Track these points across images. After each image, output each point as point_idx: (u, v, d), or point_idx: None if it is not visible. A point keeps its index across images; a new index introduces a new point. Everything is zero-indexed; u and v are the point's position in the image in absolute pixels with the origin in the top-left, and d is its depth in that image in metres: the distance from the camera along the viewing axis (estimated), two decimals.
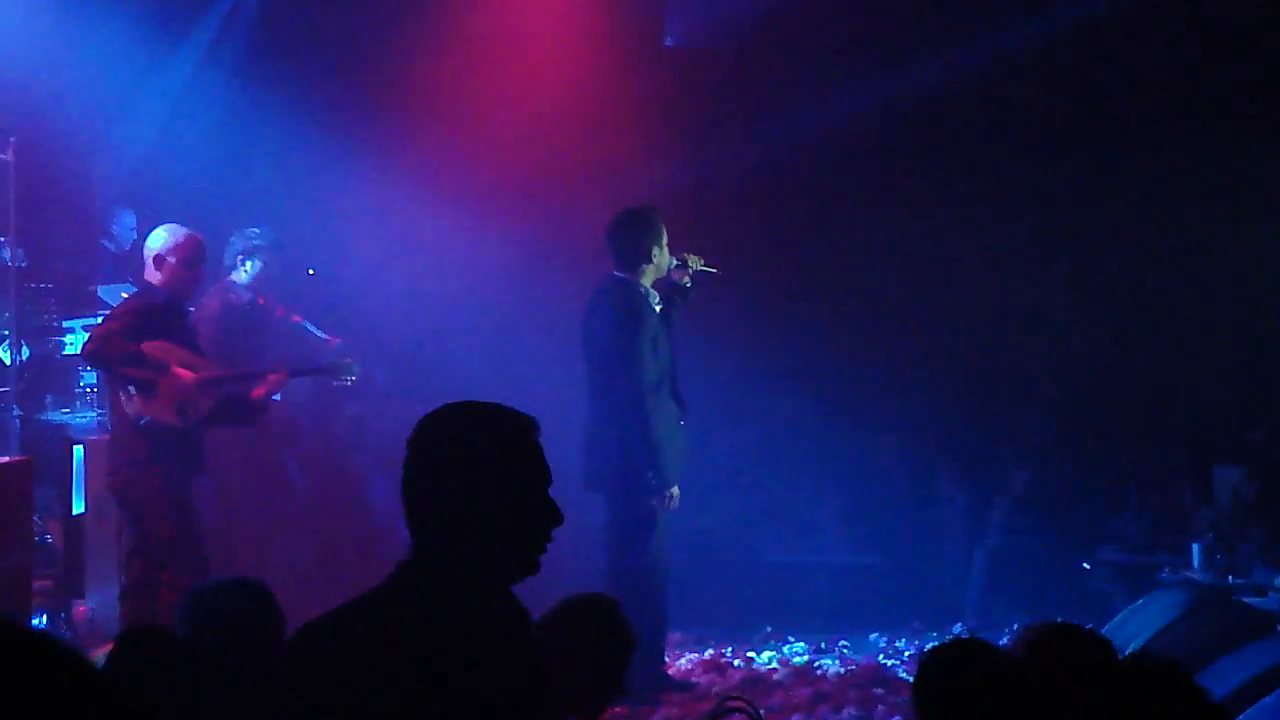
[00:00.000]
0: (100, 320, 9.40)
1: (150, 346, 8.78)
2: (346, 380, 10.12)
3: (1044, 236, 13.30)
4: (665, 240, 9.75)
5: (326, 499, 11.77)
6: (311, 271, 11.42)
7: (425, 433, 3.76)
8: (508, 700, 3.66)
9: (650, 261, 9.71)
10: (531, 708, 3.74)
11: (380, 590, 3.75)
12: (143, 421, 8.75)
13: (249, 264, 10.54)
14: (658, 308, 9.74)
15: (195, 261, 9.13)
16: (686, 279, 9.89)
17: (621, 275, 9.73)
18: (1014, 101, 13.34)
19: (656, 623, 9.60)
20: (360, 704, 3.51)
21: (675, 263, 9.83)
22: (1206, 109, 13.01)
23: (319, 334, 10.76)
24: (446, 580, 3.67)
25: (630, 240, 9.74)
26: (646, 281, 9.72)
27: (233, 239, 10.58)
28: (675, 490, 9.65)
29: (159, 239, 9.07)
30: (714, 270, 9.96)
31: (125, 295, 9.98)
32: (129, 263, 11.60)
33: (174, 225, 9.16)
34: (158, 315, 8.94)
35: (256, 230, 10.61)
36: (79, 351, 10.74)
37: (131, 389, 8.75)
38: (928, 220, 13.34)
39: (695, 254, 9.92)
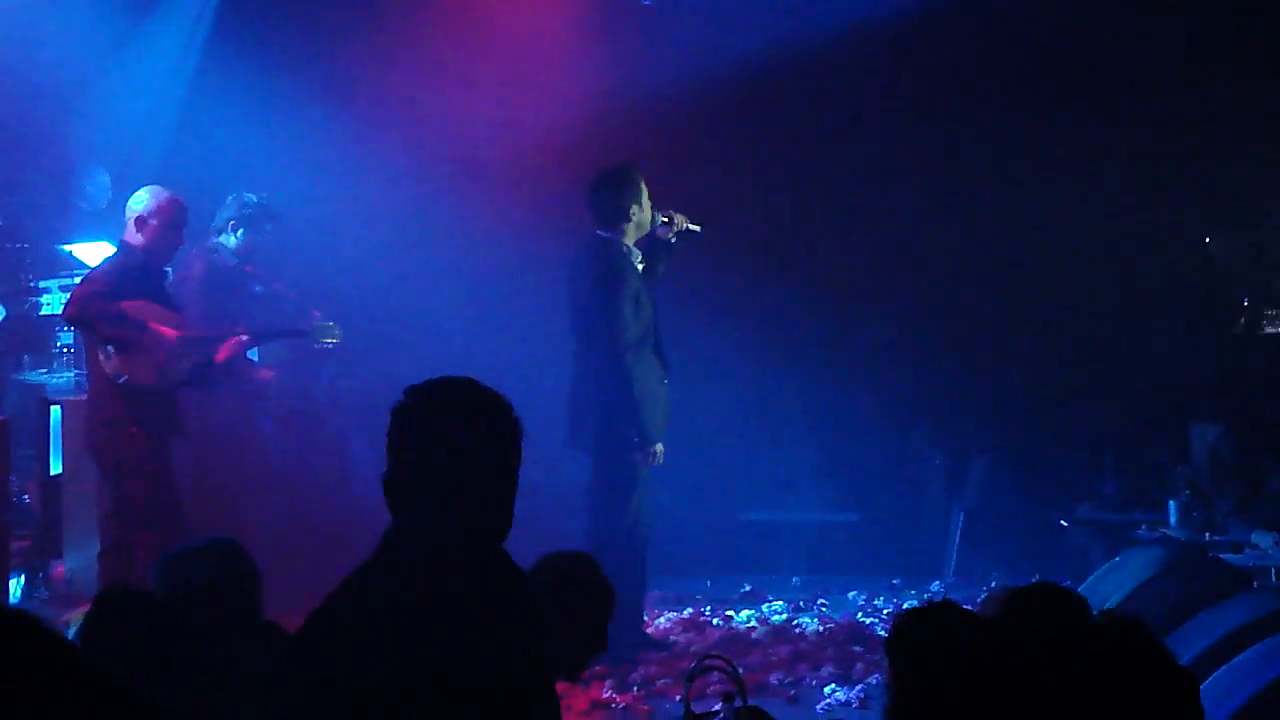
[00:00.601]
0: (79, 280, 9.34)
1: (130, 306, 8.75)
2: (328, 343, 10.12)
3: (1019, 196, 13.28)
4: (646, 198, 9.74)
5: (304, 459, 11.75)
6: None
7: (413, 406, 3.87)
8: (518, 660, 3.75)
9: (630, 219, 9.70)
10: (534, 667, 3.81)
11: (378, 561, 3.85)
12: (121, 380, 8.73)
13: (240, 231, 10.49)
14: (640, 265, 9.73)
15: (177, 224, 9.11)
16: (672, 235, 9.89)
17: (603, 234, 9.73)
18: (990, 60, 13.31)
19: (636, 581, 9.60)
20: (375, 676, 3.59)
21: (661, 219, 9.82)
22: (1190, 69, 13.00)
23: (290, 298, 10.73)
24: (448, 545, 3.78)
25: (610, 199, 9.73)
26: (629, 240, 9.72)
27: (229, 200, 10.53)
28: (659, 447, 9.66)
29: (140, 200, 9.04)
30: (698, 228, 9.95)
31: (101, 255, 9.94)
32: (104, 222, 11.54)
33: (156, 187, 9.14)
34: (137, 275, 8.92)
35: (253, 198, 10.55)
36: (58, 312, 10.71)
37: (110, 348, 8.73)
38: (906, 181, 13.33)
39: (681, 212, 9.91)
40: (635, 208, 9.70)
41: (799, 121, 13.50)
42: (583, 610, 5.22)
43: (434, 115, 12.83)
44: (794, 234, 13.64)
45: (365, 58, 12.91)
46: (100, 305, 8.67)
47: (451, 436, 3.81)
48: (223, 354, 9.34)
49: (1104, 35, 13.05)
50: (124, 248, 9.09)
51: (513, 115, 12.90)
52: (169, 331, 8.90)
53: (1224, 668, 6.60)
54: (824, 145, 13.55)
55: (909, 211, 13.34)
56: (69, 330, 10.84)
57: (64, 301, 9.73)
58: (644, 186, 9.75)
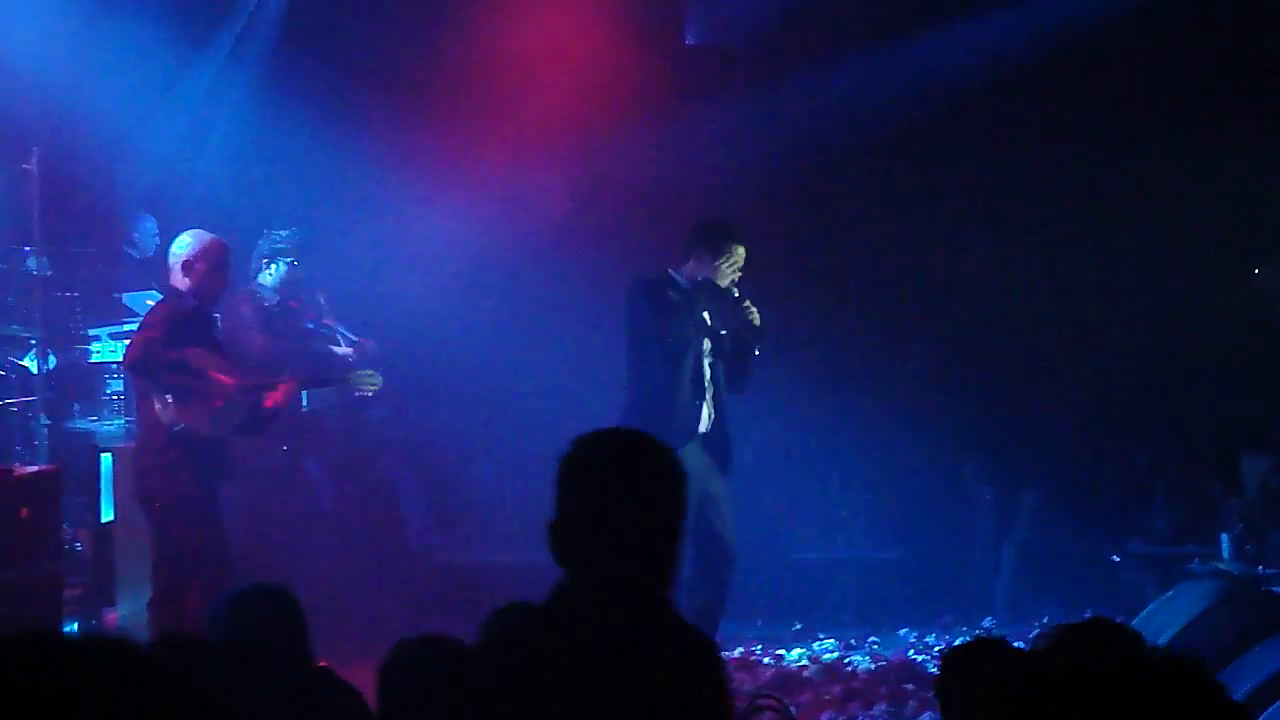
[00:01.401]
0: (136, 328, 9.30)
1: (189, 353, 8.78)
2: (367, 391, 10.15)
3: (1065, 228, 13.27)
4: (722, 257, 9.68)
5: (353, 503, 11.79)
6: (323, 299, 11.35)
7: (583, 457, 3.93)
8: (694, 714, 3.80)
9: (689, 260, 9.69)
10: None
11: (550, 610, 3.88)
12: (177, 429, 8.74)
13: (274, 267, 10.60)
14: (707, 312, 9.74)
15: (222, 266, 9.11)
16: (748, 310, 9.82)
17: (670, 269, 9.76)
18: (1027, 92, 13.31)
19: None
20: None
21: (735, 294, 9.77)
22: (1224, 99, 12.99)
23: (350, 336, 10.80)
24: (620, 596, 3.83)
25: (687, 239, 9.78)
26: (686, 275, 9.71)
27: (260, 242, 10.63)
28: None
29: (184, 244, 9.04)
30: (757, 326, 9.86)
31: (150, 302, 9.98)
32: (152, 269, 11.62)
33: (199, 230, 9.14)
34: (190, 321, 8.92)
35: (283, 233, 10.65)
36: (108, 360, 10.77)
37: (169, 397, 8.73)
38: (952, 217, 13.32)
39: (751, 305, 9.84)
40: (704, 253, 9.68)
41: (848, 155, 13.50)
42: None
43: (483, 158, 12.88)
44: (842, 272, 13.65)
45: (413, 99, 12.97)
46: (161, 353, 8.67)
47: (623, 487, 3.87)
48: (273, 400, 9.36)
49: (1146, 64, 13.06)
50: (172, 293, 9.05)
51: (563, 162, 12.94)
52: (228, 380, 8.93)
53: (1275, 704, 6.56)
54: (868, 182, 13.56)
55: (956, 251, 13.32)
56: (119, 377, 10.90)
57: (115, 350, 9.79)
58: (729, 248, 9.71)
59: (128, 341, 9.32)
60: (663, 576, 3.90)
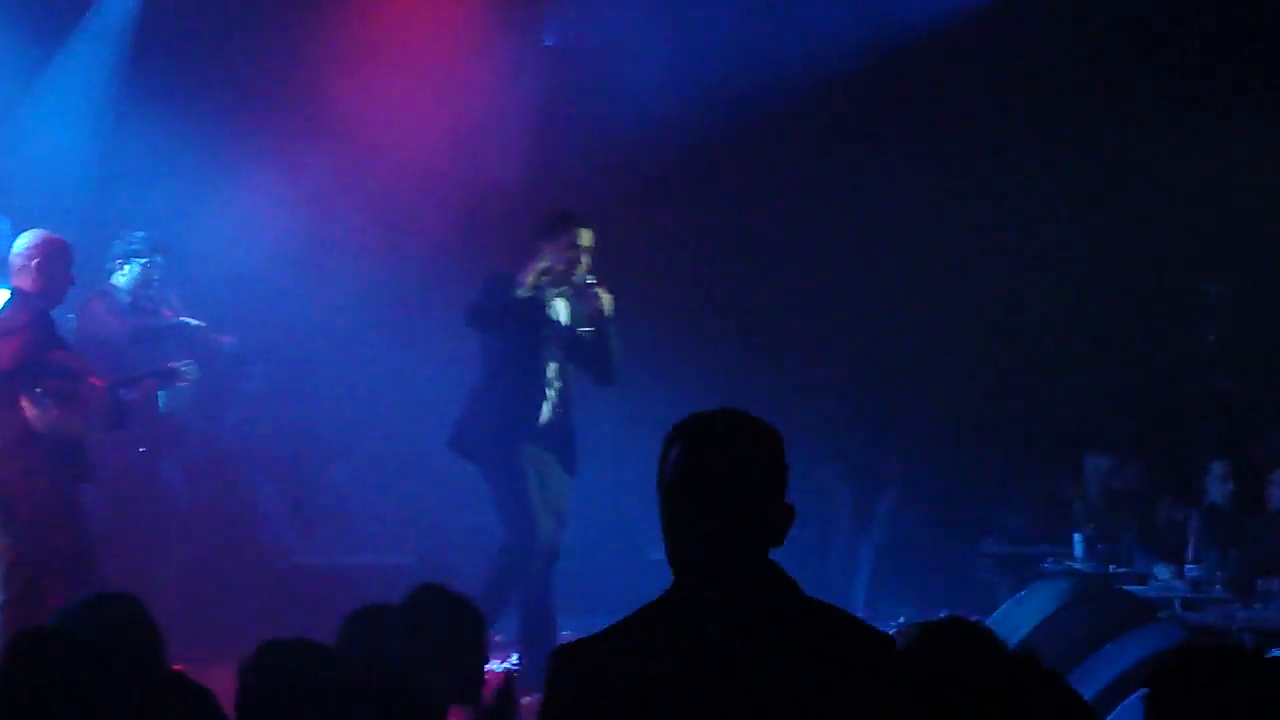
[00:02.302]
0: (2, 334, 9.01)
1: (64, 356, 8.69)
2: (181, 383, 10.10)
3: (924, 233, 13.39)
4: (563, 239, 9.66)
5: (210, 504, 11.70)
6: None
7: (696, 435, 3.66)
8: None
9: (539, 255, 9.69)
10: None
11: (671, 606, 3.65)
12: (55, 431, 8.63)
13: (128, 267, 10.50)
14: (560, 305, 9.74)
15: (67, 265, 9.00)
16: (605, 307, 9.80)
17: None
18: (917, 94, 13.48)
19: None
20: None
21: (589, 280, 9.74)
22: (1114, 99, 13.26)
23: (195, 322, 10.69)
24: (758, 588, 3.67)
25: (531, 234, 9.80)
26: (533, 278, 9.68)
27: (115, 242, 10.53)
28: None
29: (24, 244, 8.92)
30: (592, 281, 9.82)
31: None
32: (5, 269, 11.47)
33: (38, 230, 9.02)
34: (48, 322, 8.83)
35: (139, 234, 10.56)
36: (1, 365, 10.64)
37: (48, 400, 8.61)
38: (812, 218, 13.41)
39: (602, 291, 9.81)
40: (548, 243, 9.68)
41: (699, 158, 13.55)
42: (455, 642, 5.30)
43: (341, 155, 12.81)
44: (694, 274, 13.71)
45: (269, 96, 12.87)
46: (40, 356, 8.58)
47: (741, 466, 3.62)
48: (133, 396, 9.30)
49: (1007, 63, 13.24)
50: (19, 294, 8.89)
51: (425, 161, 12.89)
52: (100, 382, 8.86)
53: (1124, 702, 6.66)
54: (728, 184, 13.63)
55: (812, 252, 13.45)
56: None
57: None
58: (570, 229, 9.69)
59: None
60: (772, 543, 3.71)
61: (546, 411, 9.77)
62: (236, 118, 12.66)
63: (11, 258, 8.96)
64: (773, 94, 13.30)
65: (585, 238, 9.70)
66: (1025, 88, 13.43)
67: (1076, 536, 10.86)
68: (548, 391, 9.77)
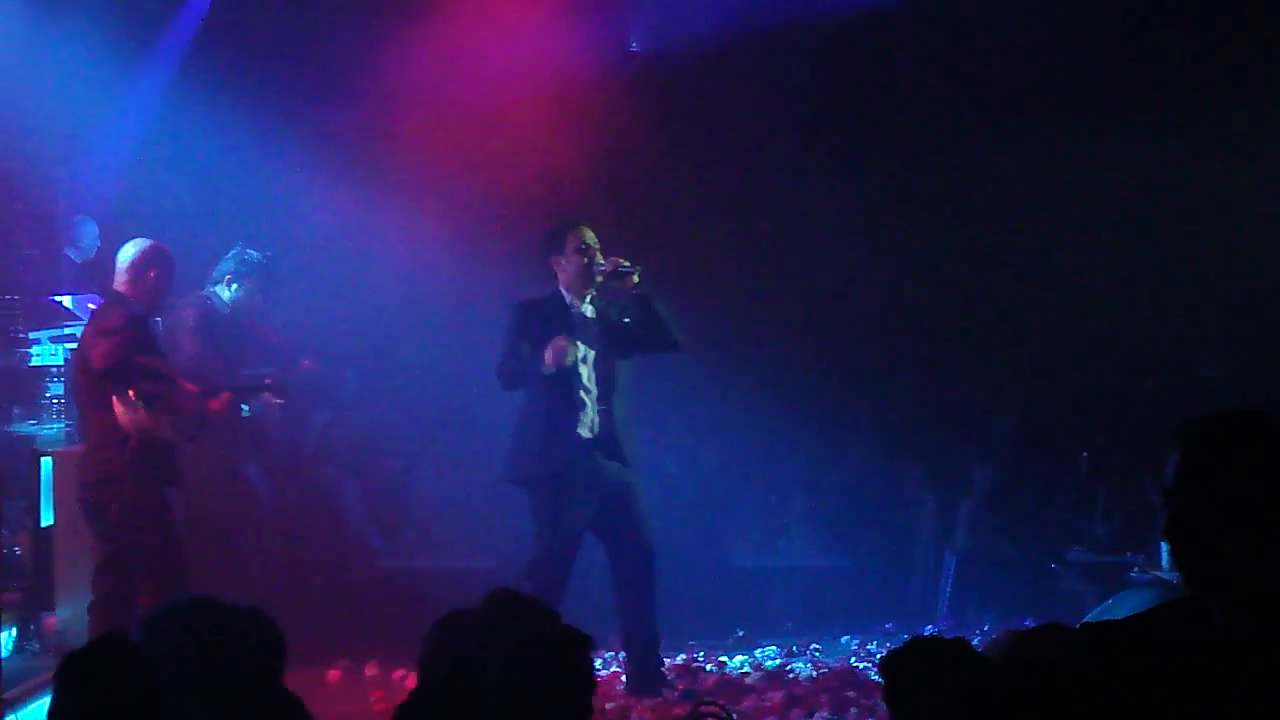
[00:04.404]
0: (92, 333, 9.04)
1: (154, 360, 8.77)
2: (274, 402, 10.17)
3: (1005, 237, 13.33)
4: (569, 246, 9.69)
5: (294, 508, 11.77)
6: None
7: (1221, 438, 3.39)
8: None
9: (554, 271, 9.72)
10: None
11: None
12: (144, 434, 8.70)
13: (235, 285, 10.59)
14: (588, 310, 9.72)
15: (170, 275, 9.11)
16: (600, 278, 9.77)
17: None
18: (969, 98, 13.40)
19: None
20: None
21: (621, 266, 9.71)
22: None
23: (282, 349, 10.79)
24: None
25: (538, 256, 9.83)
26: (567, 288, 9.70)
27: (231, 253, 10.62)
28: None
29: (130, 252, 9.02)
30: (629, 267, 9.77)
31: (91, 305, 9.94)
32: (93, 272, 11.58)
33: (142, 239, 9.12)
34: (145, 327, 8.91)
35: (255, 254, 10.64)
36: (49, 363, 10.72)
37: (140, 402, 8.68)
38: (892, 224, 13.39)
39: (623, 257, 9.79)
40: (559, 259, 9.72)
41: (789, 162, 13.54)
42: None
43: (431, 165, 12.87)
44: (780, 279, 13.68)
45: (358, 103, 12.97)
46: (136, 358, 8.66)
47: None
48: (215, 405, 9.34)
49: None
50: (119, 299, 9.00)
51: (509, 169, 12.94)
52: (192, 387, 8.93)
53: None
54: (813, 187, 13.60)
55: (896, 258, 13.42)
56: (59, 381, 10.83)
57: (56, 353, 9.74)
58: (570, 234, 9.72)
59: (73, 345, 9.25)
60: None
61: (587, 420, 9.73)
62: (330, 126, 12.78)
63: (118, 263, 9.04)
64: (856, 102, 13.33)
65: (588, 236, 9.75)
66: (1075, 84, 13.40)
67: (1163, 545, 10.73)
68: (584, 399, 9.73)
